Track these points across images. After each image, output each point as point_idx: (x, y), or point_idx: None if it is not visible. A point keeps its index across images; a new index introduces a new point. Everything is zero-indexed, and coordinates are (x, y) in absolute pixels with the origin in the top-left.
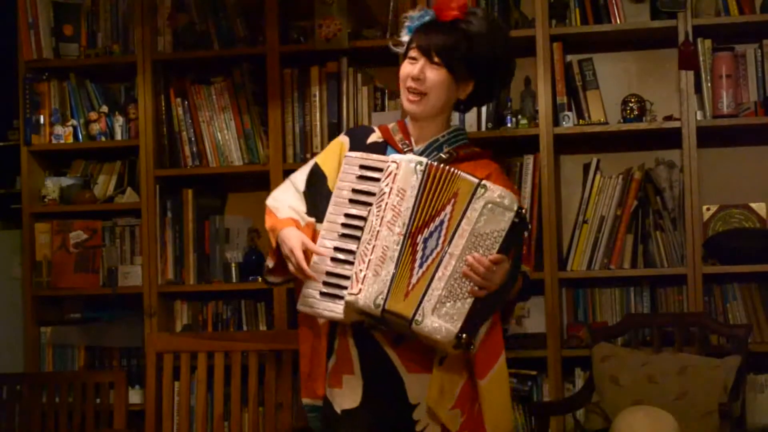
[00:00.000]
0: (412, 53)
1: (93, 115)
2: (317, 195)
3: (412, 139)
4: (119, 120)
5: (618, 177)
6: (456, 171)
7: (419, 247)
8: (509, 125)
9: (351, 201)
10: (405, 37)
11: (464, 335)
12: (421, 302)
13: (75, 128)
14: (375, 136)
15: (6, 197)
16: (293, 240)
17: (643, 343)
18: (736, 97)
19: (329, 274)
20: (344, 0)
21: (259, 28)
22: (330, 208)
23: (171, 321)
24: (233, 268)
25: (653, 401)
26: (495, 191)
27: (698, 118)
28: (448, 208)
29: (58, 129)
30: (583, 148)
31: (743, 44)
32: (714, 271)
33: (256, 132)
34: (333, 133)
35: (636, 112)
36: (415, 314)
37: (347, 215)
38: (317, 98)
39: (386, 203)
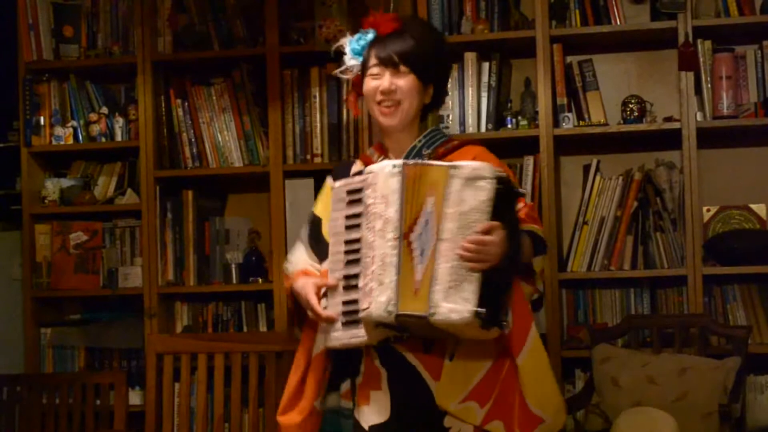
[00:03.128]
0: (374, 69)
1: (93, 116)
2: (319, 242)
3: (390, 155)
4: (119, 121)
5: (618, 178)
6: (427, 162)
7: (415, 245)
8: (509, 126)
9: (347, 228)
10: (352, 61)
11: (484, 310)
12: (431, 295)
13: (75, 129)
14: (357, 166)
15: (6, 198)
16: (306, 288)
17: (643, 344)
18: (736, 98)
19: (345, 303)
20: (344, 1)
21: (259, 28)
22: (331, 241)
23: (171, 322)
24: (233, 269)
25: (653, 402)
26: (466, 167)
27: (698, 119)
28: (431, 200)
29: (59, 130)
30: (583, 149)
31: (743, 45)
32: (714, 272)
33: (256, 133)
34: (333, 134)
35: (636, 113)
36: (429, 309)
37: (347, 242)
38: (317, 99)
39: (373, 213)
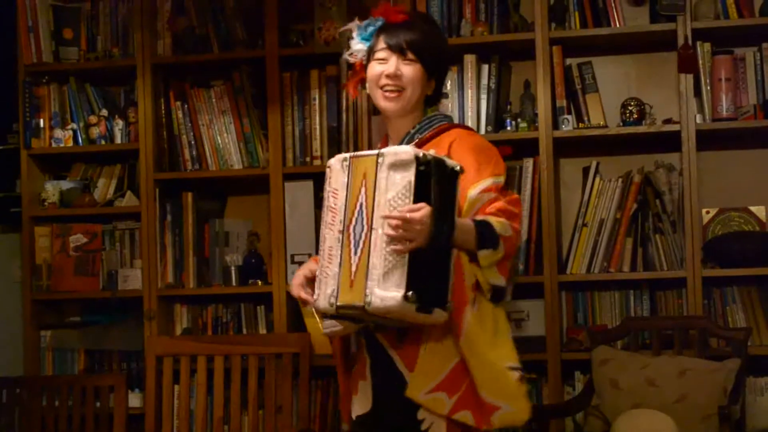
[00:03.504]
0: (381, 54)
1: (93, 119)
2: None
3: (390, 142)
4: (119, 123)
5: (617, 180)
6: (358, 153)
7: (351, 237)
8: (509, 128)
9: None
10: (358, 45)
11: (411, 293)
12: (366, 286)
13: (75, 132)
14: None
15: (6, 201)
16: (295, 277)
17: (643, 346)
18: (735, 101)
19: None
20: (344, 3)
21: (259, 31)
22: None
23: (171, 324)
24: (233, 272)
25: (653, 404)
26: (391, 154)
27: (697, 121)
28: (362, 190)
29: (58, 132)
30: (583, 152)
31: (742, 47)
32: (713, 274)
33: (256, 135)
34: (333, 136)
35: (635, 116)
36: (364, 298)
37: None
38: (317, 101)
39: (327, 207)
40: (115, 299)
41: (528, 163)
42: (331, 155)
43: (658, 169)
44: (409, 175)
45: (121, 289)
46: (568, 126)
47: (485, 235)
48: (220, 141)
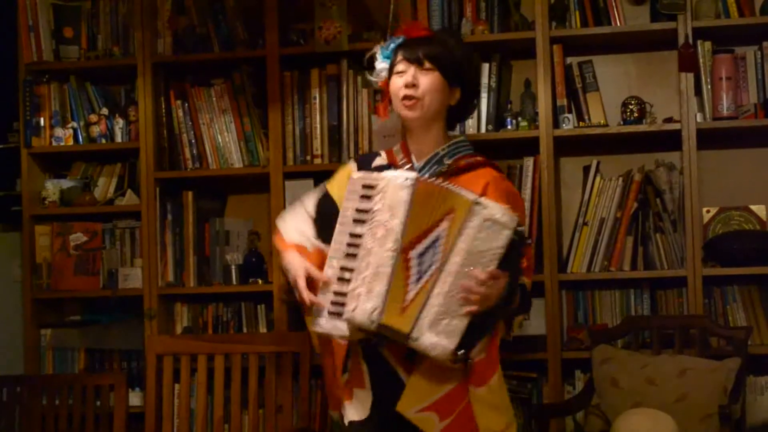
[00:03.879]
0: (400, 67)
1: (93, 118)
2: (327, 219)
3: (413, 156)
4: (119, 122)
5: (618, 179)
6: (449, 187)
7: (413, 263)
8: (509, 127)
9: (355, 221)
10: (381, 65)
11: (461, 351)
12: (417, 319)
13: (75, 130)
14: (380, 160)
15: (6, 199)
16: (297, 269)
17: (643, 345)
18: (736, 100)
19: (336, 293)
20: (344, 2)
21: (259, 30)
22: (337, 228)
23: (171, 323)
24: (233, 271)
25: (653, 403)
26: (492, 209)
27: (698, 120)
28: (444, 225)
29: (59, 131)
30: (583, 150)
31: (743, 46)
32: (714, 273)
33: (257, 134)
34: (333, 135)
35: (636, 115)
36: (412, 330)
37: (351, 235)
38: (317, 101)
39: (377, 220)
40: (115, 298)
41: (528, 162)
42: (331, 154)
43: (658, 168)
44: (502, 239)
45: (122, 288)
46: (569, 125)
47: (524, 302)
48: (220, 140)
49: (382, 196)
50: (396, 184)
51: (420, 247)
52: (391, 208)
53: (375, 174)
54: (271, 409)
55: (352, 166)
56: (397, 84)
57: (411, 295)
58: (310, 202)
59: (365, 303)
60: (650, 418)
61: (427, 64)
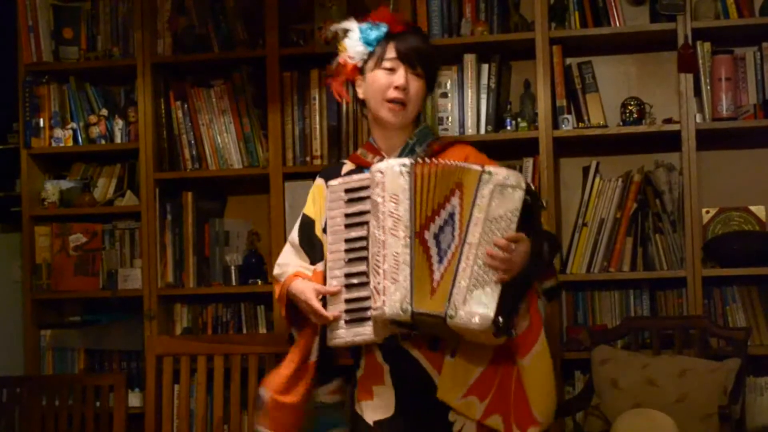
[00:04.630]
0: (389, 63)
1: (93, 118)
2: (312, 242)
3: (383, 153)
4: (119, 123)
5: (617, 180)
6: (453, 163)
7: (431, 244)
8: (509, 128)
9: (347, 226)
10: (360, 48)
11: (500, 319)
12: (450, 297)
13: (75, 131)
14: (348, 167)
15: (6, 200)
16: (305, 292)
17: (643, 346)
18: (735, 100)
19: (348, 301)
20: (344, 2)
21: (259, 31)
22: (329, 240)
23: (171, 324)
24: (233, 271)
25: (653, 404)
26: (500, 173)
27: (697, 120)
28: (455, 201)
29: (58, 132)
30: (583, 151)
31: (742, 47)
32: (713, 274)
33: (256, 135)
34: (333, 136)
35: (635, 115)
36: (447, 309)
37: (347, 240)
38: (317, 101)
39: (383, 212)
40: (115, 299)
41: (528, 163)
42: (331, 154)
43: (658, 169)
44: (516, 201)
45: (121, 289)
46: (568, 125)
47: (552, 245)
48: (220, 140)
49: (382, 187)
50: (393, 172)
51: (433, 227)
52: (394, 197)
53: (356, 176)
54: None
55: (319, 182)
56: (383, 81)
57: (437, 275)
58: (294, 237)
59: (393, 294)
60: (650, 419)
61: (419, 70)
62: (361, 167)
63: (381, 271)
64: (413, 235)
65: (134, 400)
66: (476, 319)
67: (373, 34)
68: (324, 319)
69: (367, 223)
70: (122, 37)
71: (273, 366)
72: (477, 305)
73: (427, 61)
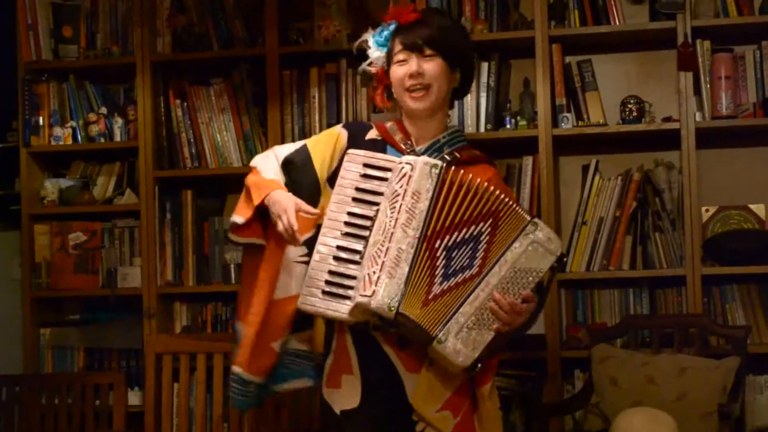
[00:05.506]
0: (400, 56)
1: (92, 117)
2: (297, 174)
3: (413, 139)
4: (118, 121)
5: (617, 178)
6: (496, 192)
7: (440, 254)
8: (508, 126)
9: (354, 200)
10: (376, 53)
11: (480, 365)
12: (447, 322)
13: (74, 129)
14: (373, 133)
15: (5, 199)
16: (287, 201)
17: (643, 344)
18: (735, 99)
19: (332, 273)
20: (343, 1)
21: (259, 29)
22: (331, 206)
23: (170, 322)
24: (232, 270)
25: (652, 402)
26: (544, 232)
27: (697, 119)
28: (485, 228)
29: (57, 130)
30: (582, 150)
31: (742, 45)
32: (713, 273)
33: (256, 133)
34: None
35: (635, 114)
36: (439, 333)
37: (351, 214)
38: (316, 99)
39: (400, 204)
40: (114, 297)
41: (527, 161)
42: None
43: (657, 167)
44: (546, 264)
45: (121, 287)
46: (568, 124)
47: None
48: (219, 139)
49: (407, 180)
50: (424, 170)
51: (448, 240)
52: (416, 195)
53: (381, 155)
54: (270, 408)
55: (340, 132)
56: (400, 74)
57: (437, 289)
58: (283, 152)
59: (385, 289)
60: (649, 417)
61: (428, 51)
62: (385, 142)
63: (380, 261)
64: (422, 237)
65: (134, 398)
66: (460, 358)
67: (383, 36)
68: (294, 239)
69: (375, 204)
70: (122, 36)
71: None
72: (467, 344)
73: (436, 40)
